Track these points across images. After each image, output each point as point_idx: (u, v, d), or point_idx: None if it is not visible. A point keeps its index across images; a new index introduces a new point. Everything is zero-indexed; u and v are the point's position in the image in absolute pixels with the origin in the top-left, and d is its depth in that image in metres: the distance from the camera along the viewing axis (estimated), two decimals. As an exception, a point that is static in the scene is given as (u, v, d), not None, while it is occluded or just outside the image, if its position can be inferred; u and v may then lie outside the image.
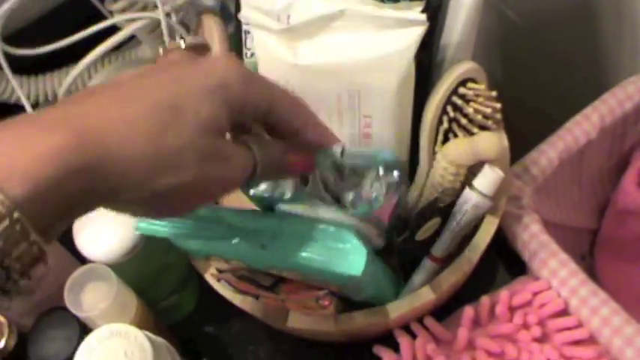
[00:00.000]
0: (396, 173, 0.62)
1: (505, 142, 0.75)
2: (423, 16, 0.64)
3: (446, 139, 0.73)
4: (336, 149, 0.59)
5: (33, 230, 0.40)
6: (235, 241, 0.61)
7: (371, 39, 0.65)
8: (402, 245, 0.69)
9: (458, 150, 0.68)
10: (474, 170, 0.70)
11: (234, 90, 0.49)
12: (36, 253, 0.41)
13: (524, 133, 0.85)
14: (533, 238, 0.75)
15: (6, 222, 0.38)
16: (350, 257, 0.58)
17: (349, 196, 0.63)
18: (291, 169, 0.56)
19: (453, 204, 0.70)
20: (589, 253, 0.97)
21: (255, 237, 0.61)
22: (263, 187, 0.65)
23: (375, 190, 0.62)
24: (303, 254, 0.59)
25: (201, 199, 0.52)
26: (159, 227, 0.63)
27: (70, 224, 0.47)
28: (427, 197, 0.71)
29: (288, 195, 0.64)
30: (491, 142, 0.68)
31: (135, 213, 0.52)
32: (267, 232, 0.61)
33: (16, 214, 0.39)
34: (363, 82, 0.67)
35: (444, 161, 0.69)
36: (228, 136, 0.52)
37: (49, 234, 0.42)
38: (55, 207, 0.41)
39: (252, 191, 0.66)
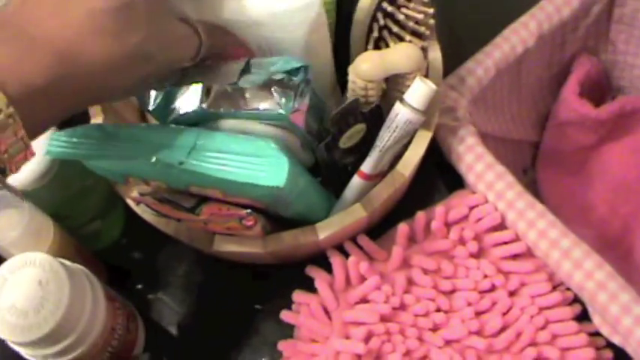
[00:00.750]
0: (300, 75, 0.59)
1: (437, 53, 0.72)
2: None
3: (377, 49, 0.70)
4: (241, 63, 0.60)
5: (22, 126, 0.46)
6: (151, 158, 0.58)
7: None
8: (327, 155, 0.66)
9: (366, 63, 0.65)
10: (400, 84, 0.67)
11: None
12: (22, 147, 0.48)
13: (463, 42, 0.82)
14: (469, 151, 0.73)
15: (1, 115, 0.45)
16: (272, 168, 0.56)
17: (260, 105, 0.61)
18: (229, 53, 0.63)
19: (379, 109, 0.67)
20: (531, 166, 0.96)
21: (171, 153, 0.58)
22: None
23: (284, 94, 0.60)
24: (223, 168, 0.57)
25: (161, 79, 0.59)
26: (70, 150, 0.61)
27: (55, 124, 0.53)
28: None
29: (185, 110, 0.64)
30: (405, 54, 0.65)
31: (111, 100, 0.64)
32: (183, 147, 0.59)
33: (10, 109, 0.45)
34: (271, 36, 0.66)
35: (352, 74, 0.66)
36: None
37: (35, 131, 0.49)
38: (43, 110, 0.49)
39: (151, 106, 0.65)
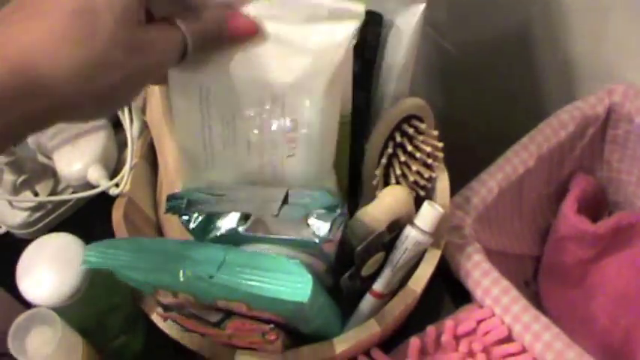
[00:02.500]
0: (337, 210, 0.63)
1: (445, 182, 0.77)
2: (360, 7, 0.63)
3: (387, 174, 0.74)
4: (281, 192, 0.63)
5: None
6: (182, 272, 0.61)
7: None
8: (348, 282, 0.70)
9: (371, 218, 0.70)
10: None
11: None
12: None
13: (466, 162, 0.87)
14: (476, 267, 0.76)
15: None
16: (296, 284, 0.59)
17: (296, 234, 0.64)
18: (232, 32, 0.60)
19: (397, 236, 0.71)
20: (533, 278, 0.99)
21: (201, 267, 0.62)
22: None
23: (320, 226, 0.63)
24: (250, 283, 0.60)
25: (138, 86, 0.56)
26: (106, 260, 0.64)
27: (27, 136, 0.50)
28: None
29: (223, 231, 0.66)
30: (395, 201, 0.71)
31: (82, 118, 0.54)
32: (213, 262, 0.62)
33: None
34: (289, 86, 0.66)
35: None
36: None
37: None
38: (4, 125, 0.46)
39: (191, 224, 0.68)
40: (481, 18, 1.05)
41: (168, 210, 0.69)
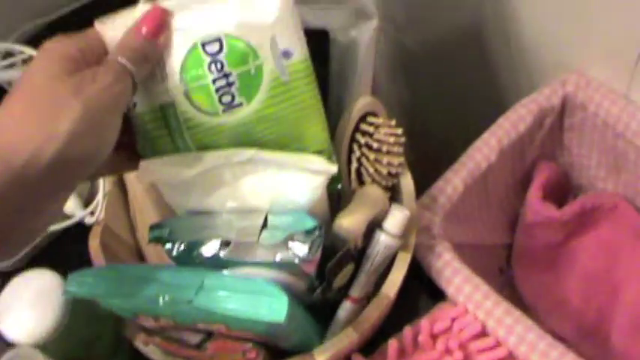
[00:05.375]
0: (316, 232, 0.65)
1: (408, 179, 0.79)
2: (330, 166, 0.67)
3: (359, 177, 0.76)
4: (259, 217, 0.65)
5: None
6: (162, 297, 0.64)
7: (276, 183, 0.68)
8: (321, 296, 0.71)
9: (346, 220, 0.71)
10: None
11: (61, 46, 0.57)
12: None
13: (432, 156, 0.89)
14: (446, 266, 0.79)
15: None
16: (272, 305, 0.62)
17: (276, 257, 0.66)
18: (148, 29, 0.61)
19: (364, 248, 0.73)
20: (507, 265, 1.02)
21: (180, 292, 0.64)
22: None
23: (299, 248, 0.65)
24: (228, 306, 0.62)
25: (108, 118, 0.57)
26: (86, 289, 0.66)
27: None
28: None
29: (205, 257, 0.67)
30: (373, 200, 0.74)
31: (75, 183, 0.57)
32: (192, 286, 0.64)
33: None
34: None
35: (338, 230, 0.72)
36: None
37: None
38: None
39: (174, 252, 0.69)
40: (437, 14, 1.07)
41: (152, 240, 0.70)
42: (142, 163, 0.67)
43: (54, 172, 0.52)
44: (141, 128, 0.65)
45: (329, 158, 0.69)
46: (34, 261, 0.76)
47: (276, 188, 0.67)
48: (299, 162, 0.67)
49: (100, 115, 0.55)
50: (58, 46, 0.57)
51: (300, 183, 0.67)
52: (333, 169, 0.67)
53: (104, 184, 0.83)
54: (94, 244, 0.78)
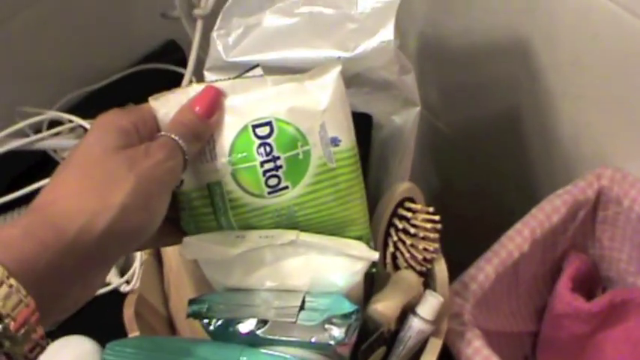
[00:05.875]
0: (353, 317, 0.65)
1: (442, 266, 0.79)
2: (371, 253, 0.68)
3: (394, 260, 0.77)
4: (297, 298, 0.66)
5: (28, 293, 0.47)
6: None
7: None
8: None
9: (380, 304, 0.71)
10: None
11: (116, 119, 0.59)
12: (34, 336, 0.49)
13: (463, 240, 0.90)
14: (476, 354, 0.79)
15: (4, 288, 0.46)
16: None
17: (313, 338, 0.66)
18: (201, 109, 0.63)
19: (397, 331, 0.74)
20: (532, 353, 1.02)
21: None
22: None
23: (336, 331, 0.65)
24: None
25: (157, 193, 0.58)
26: (124, 359, 0.67)
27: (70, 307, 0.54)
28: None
29: (242, 334, 0.68)
30: (408, 284, 0.74)
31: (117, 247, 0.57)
32: None
33: (11, 280, 0.46)
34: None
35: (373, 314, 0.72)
36: None
37: (47, 314, 0.50)
38: (44, 279, 0.49)
39: (211, 327, 0.70)
40: (472, 101, 1.09)
41: (190, 315, 0.71)
42: (186, 239, 0.68)
43: (105, 243, 0.53)
44: (186, 205, 0.67)
45: (367, 243, 0.70)
46: (67, 325, 0.76)
47: (316, 271, 0.68)
48: (340, 247, 0.68)
49: (151, 190, 0.57)
50: (114, 118, 0.59)
51: (340, 267, 0.68)
52: (375, 255, 0.68)
53: (141, 254, 0.84)
54: (128, 312, 0.79)
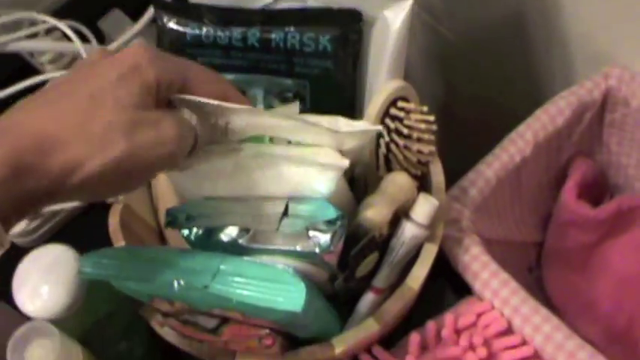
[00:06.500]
0: (338, 223, 0.63)
1: (439, 168, 0.76)
2: (339, 160, 0.65)
3: (387, 163, 0.74)
4: (280, 205, 0.64)
5: None
6: (176, 282, 0.62)
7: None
8: (343, 285, 0.69)
9: (370, 210, 0.68)
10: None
11: (145, 70, 0.55)
12: None
13: (466, 147, 0.87)
14: (474, 260, 0.76)
15: None
16: (289, 294, 0.59)
17: (297, 246, 0.64)
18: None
19: (390, 236, 0.70)
20: (536, 265, 0.99)
21: (196, 277, 0.62)
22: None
23: (320, 238, 0.63)
24: (245, 293, 0.60)
25: (143, 171, 0.56)
26: (100, 271, 0.64)
27: (24, 217, 0.52)
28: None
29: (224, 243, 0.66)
30: (399, 187, 0.71)
31: (85, 198, 0.61)
32: (208, 271, 0.62)
33: None
34: None
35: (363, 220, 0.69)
36: None
37: (7, 226, 0.50)
38: (12, 200, 0.49)
39: (192, 237, 0.68)
40: (475, 4, 1.05)
41: (168, 224, 0.69)
42: None
43: (79, 191, 0.53)
44: None
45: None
46: (54, 238, 0.75)
47: (295, 179, 0.65)
48: (308, 155, 0.65)
49: (137, 168, 0.55)
50: (144, 65, 0.56)
51: (315, 175, 0.65)
52: (344, 163, 0.64)
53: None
54: (113, 222, 0.76)
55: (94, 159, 0.51)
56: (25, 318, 0.70)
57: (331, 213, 0.63)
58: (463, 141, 0.96)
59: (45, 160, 0.50)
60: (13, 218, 0.51)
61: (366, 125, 0.67)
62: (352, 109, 0.78)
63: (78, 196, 0.55)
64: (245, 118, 0.64)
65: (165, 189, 0.81)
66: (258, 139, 0.67)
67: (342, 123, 0.67)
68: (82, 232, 0.89)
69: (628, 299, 0.91)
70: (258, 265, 0.63)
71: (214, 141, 0.65)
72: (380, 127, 0.66)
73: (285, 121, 0.65)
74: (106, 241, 0.74)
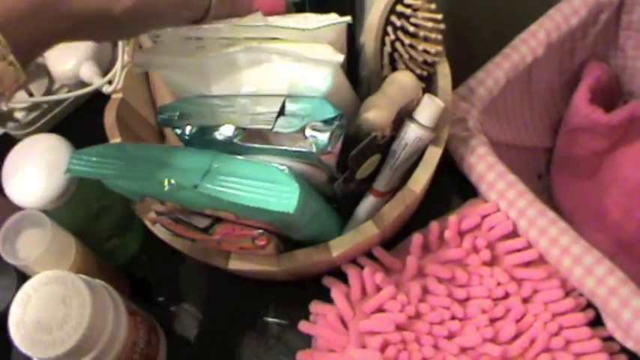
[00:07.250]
0: (336, 122, 0.61)
1: (446, 69, 0.73)
2: (334, 55, 0.61)
3: (392, 63, 0.71)
4: (277, 103, 0.62)
5: (11, 51, 0.47)
6: (166, 181, 0.60)
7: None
8: (342, 186, 0.67)
9: (372, 112, 0.66)
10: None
11: None
12: (13, 75, 0.48)
13: (474, 51, 0.84)
14: (480, 161, 0.74)
15: None
16: (283, 194, 0.57)
17: (293, 146, 0.62)
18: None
19: (393, 138, 0.68)
20: (546, 171, 0.96)
21: (186, 176, 0.59)
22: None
23: (318, 137, 0.60)
24: (236, 192, 0.58)
25: (161, 16, 0.58)
26: (89, 169, 0.62)
27: (43, 52, 0.52)
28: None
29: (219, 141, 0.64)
30: (401, 87, 0.68)
31: (101, 38, 0.59)
32: (199, 170, 0.60)
33: None
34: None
35: (364, 121, 0.66)
36: None
37: (25, 55, 0.49)
38: (30, 33, 0.49)
39: (186, 136, 0.66)
40: None
41: (161, 122, 0.67)
42: (139, 53, 0.66)
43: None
44: None
45: None
46: (53, 132, 0.73)
47: (291, 76, 0.62)
48: (302, 51, 0.61)
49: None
50: None
51: (311, 72, 0.62)
52: (339, 57, 0.60)
53: (122, 53, 0.79)
54: (109, 117, 0.75)
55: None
56: (17, 208, 0.69)
57: (329, 112, 0.60)
58: (473, 48, 0.92)
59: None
60: (33, 52, 0.51)
61: (334, 18, 0.63)
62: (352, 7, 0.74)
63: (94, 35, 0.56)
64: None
65: (161, 85, 0.79)
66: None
67: (311, 20, 0.64)
68: (81, 126, 0.87)
69: (638, 208, 0.90)
70: (251, 164, 0.61)
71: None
72: (349, 19, 0.62)
73: (252, 28, 0.62)
74: (103, 137, 0.73)
